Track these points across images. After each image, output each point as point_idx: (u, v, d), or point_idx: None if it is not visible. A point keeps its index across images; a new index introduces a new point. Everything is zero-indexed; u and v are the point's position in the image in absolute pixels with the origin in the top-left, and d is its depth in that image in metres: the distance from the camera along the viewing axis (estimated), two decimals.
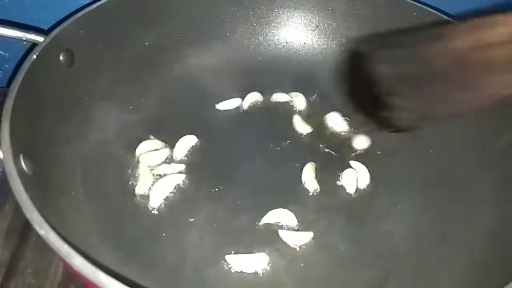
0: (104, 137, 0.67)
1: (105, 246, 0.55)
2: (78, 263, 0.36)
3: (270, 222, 0.61)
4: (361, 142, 0.72)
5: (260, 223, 0.61)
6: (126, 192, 0.62)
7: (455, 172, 0.69)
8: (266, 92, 0.79)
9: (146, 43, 0.76)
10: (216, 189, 0.64)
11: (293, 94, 0.79)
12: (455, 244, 0.61)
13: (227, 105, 0.76)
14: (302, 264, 0.58)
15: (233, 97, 0.77)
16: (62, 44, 0.62)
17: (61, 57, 0.62)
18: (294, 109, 0.77)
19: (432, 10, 0.74)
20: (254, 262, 0.56)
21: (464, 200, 0.65)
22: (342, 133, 0.74)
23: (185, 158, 0.68)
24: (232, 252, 0.57)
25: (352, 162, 0.69)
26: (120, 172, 0.64)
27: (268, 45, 0.84)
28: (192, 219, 0.60)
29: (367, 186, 0.67)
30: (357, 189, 0.66)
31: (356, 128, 0.74)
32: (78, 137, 0.64)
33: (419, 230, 0.63)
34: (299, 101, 0.78)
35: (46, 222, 0.39)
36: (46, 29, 0.68)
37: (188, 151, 0.69)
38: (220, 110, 0.76)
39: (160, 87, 0.76)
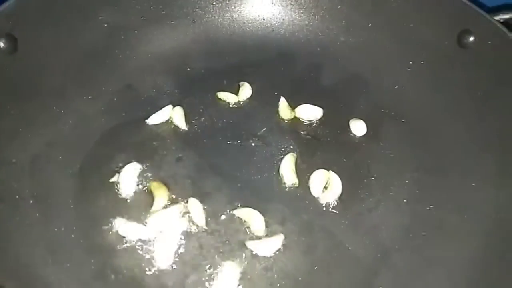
0: (58, 131, 0.60)
1: (53, 260, 0.48)
2: None
3: (237, 226, 0.54)
4: (358, 129, 0.65)
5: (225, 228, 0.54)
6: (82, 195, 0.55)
7: (451, 157, 0.62)
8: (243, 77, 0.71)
9: (105, 24, 0.68)
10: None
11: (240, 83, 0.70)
12: (452, 238, 0.54)
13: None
14: (277, 271, 0.52)
15: (206, 82, 0.70)
16: (1, 28, 0.55)
17: (0, 43, 0.55)
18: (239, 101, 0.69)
19: None
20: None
21: (461, 187, 0.59)
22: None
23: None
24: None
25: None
26: (76, 172, 0.58)
27: (243, 23, 0.76)
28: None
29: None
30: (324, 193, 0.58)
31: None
32: (27, 132, 0.57)
33: (411, 223, 0.56)
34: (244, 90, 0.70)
35: None
36: None
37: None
38: (193, 97, 0.68)
39: (123, 73, 0.68)
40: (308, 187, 0.59)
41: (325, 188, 0.59)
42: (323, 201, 0.58)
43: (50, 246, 0.49)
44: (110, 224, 0.53)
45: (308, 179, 0.59)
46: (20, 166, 0.54)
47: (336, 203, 0.57)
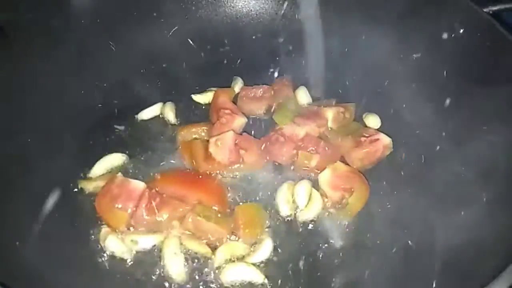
0: (49, 125, 0.61)
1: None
2: None
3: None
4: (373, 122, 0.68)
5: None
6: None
7: None
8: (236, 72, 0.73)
9: (98, 20, 0.69)
10: None
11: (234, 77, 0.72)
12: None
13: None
14: None
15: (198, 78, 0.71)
16: None
17: None
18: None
19: None
20: None
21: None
22: None
23: None
24: None
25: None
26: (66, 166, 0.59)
27: (236, 18, 0.77)
28: None
29: None
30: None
31: None
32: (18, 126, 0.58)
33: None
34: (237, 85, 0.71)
35: None
36: None
37: None
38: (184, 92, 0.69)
39: (116, 68, 0.69)
40: None
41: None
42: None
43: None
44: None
45: None
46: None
47: None
